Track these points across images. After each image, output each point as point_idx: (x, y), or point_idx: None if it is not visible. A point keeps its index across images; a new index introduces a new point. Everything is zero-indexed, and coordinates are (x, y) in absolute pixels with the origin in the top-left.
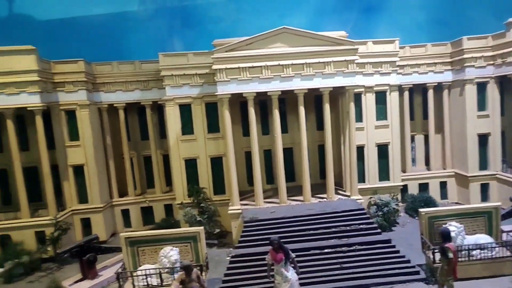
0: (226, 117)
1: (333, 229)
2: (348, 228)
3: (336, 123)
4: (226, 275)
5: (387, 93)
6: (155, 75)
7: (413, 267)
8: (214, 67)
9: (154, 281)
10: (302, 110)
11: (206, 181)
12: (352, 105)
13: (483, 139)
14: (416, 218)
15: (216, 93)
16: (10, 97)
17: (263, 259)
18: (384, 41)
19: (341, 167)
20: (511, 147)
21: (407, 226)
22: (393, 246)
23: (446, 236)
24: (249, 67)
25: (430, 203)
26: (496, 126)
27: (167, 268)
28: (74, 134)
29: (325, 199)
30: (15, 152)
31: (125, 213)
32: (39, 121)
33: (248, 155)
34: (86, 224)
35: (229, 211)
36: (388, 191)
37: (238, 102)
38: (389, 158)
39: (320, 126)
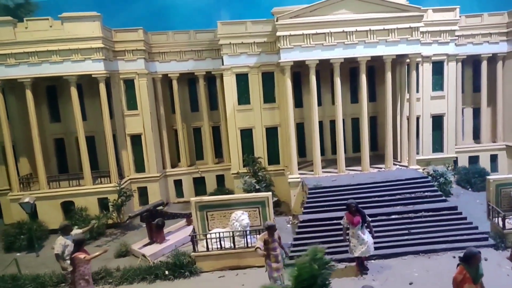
0: (288, 85)
1: (398, 196)
2: (413, 195)
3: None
4: (295, 239)
5: (445, 63)
6: (209, 45)
7: (482, 233)
8: (278, 33)
9: (227, 244)
10: (363, 78)
11: (261, 151)
12: (414, 74)
13: None
14: (469, 189)
15: (272, 62)
16: (75, 64)
17: (329, 224)
18: (444, 9)
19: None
20: None
21: (461, 196)
22: (460, 213)
23: None
24: (313, 34)
25: (484, 175)
26: None
27: (239, 231)
28: (132, 103)
29: (383, 169)
30: (79, 121)
31: (178, 183)
32: (102, 89)
33: (299, 127)
34: (143, 193)
35: (289, 180)
36: (441, 163)
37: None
38: (444, 130)
39: (372, 97)
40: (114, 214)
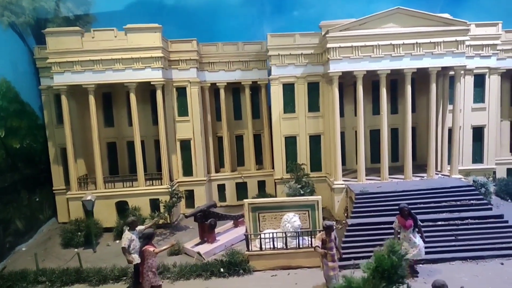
0: (335, 94)
1: (444, 204)
2: (458, 203)
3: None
4: (344, 242)
5: (486, 76)
6: (256, 56)
7: None
8: (329, 45)
9: (279, 244)
10: (409, 90)
11: (304, 158)
12: (458, 86)
13: None
14: (509, 200)
15: (318, 73)
16: (136, 72)
17: (377, 229)
18: (487, 23)
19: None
20: None
21: (501, 207)
22: (506, 221)
23: None
24: (361, 46)
25: None
26: None
27: (291, 232)
28: (183, 110)
29: (425, 177)
30: (136, 126)
31: (221, 188)
32: (159, 96)
33: (342, 135)
34: (189, 196)
35: (334, 186)
36: (481, 174)
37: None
38: (484, 141)
39: (412, 108)
40: (166, 215)
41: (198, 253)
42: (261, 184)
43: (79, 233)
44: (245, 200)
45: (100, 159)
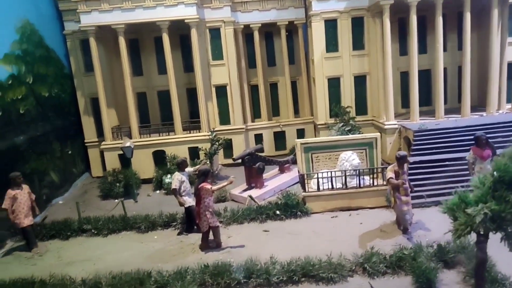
0: (386, 27)
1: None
2: None
3: (480, 41)
4: None
5: None
6: None
7: None
8: None
9: (338, 184)
10: (468, 19)
11: (349, 101)
12: None
13: None
14: None
15: (363, 6)
16: (168, 9)
17: (440, 166)
18: None
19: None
20: None
21: None
22: None
23: None
24: None
25: None
26: None
27: (350, 170)
28: (217, 54)
29: (484, 114)
30: (171, 74)
31: (258, 138)
32: (194, 36)
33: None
34: (227, 145)
35: (386, 127)
36: None
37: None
38: None
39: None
40: (208, 162)
41: (250, 196)
42: (300, 133)
43: (118, 184)
44: (296, 140)
45: (128, 110)
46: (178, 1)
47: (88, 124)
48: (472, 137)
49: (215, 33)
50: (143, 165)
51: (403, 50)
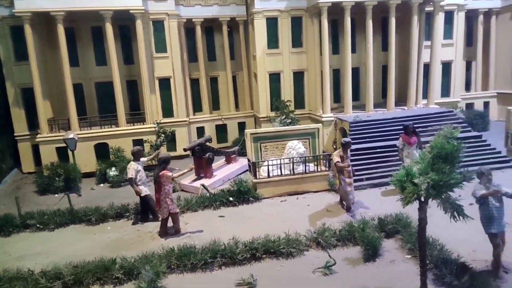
0: (324, 27)
1: (429, 128)
2: (442, 126)
3: (400, 43)
4: None
5: (455, 13)
6: None
7: (505, 156)
8: None
9: (286, 171)
10: (393, 22)
11: (289, 95)
12: (437, 19)
13: None
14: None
15: (301, 7)
16: None
17: (374, 153)
18: None
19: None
20: None
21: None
22: (485, 140)
23: None
24: None
25: (484, 117)
26: None
27: (297, 157)
28: (161, 46)
29: (405, 108)
30: (115, 64)
31: (200, 131)
32: (139, 27)
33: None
34: (171, 138)
35: (323, 119)
36: (449, 106)
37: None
38: (451, 76)
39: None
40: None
41: (203, 185)
42: (241, 126)
43: (58, 178)
44: (246, 131)
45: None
46: None
47: (18, 116)
48: (399, 127)
49: (159, 25)
50: (84, 158)
51: (335, 49)
